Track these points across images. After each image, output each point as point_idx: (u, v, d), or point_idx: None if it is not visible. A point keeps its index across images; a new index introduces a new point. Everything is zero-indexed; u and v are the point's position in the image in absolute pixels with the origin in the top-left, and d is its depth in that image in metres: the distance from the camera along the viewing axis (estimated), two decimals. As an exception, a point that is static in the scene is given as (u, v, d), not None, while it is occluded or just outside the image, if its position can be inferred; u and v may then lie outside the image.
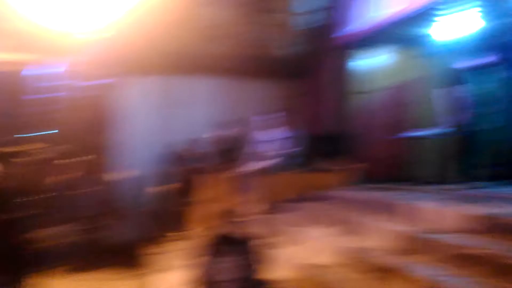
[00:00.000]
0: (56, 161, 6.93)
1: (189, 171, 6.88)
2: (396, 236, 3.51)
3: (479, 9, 5.97)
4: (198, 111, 8.49)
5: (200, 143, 7.30)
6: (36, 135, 7.22)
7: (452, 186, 5.70)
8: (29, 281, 3.78)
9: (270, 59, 9.15)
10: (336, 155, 6.60)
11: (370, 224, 3.99)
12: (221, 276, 3.42)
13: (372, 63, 7.96)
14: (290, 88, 9.36)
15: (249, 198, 5.88)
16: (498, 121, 5.69)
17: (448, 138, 5.99)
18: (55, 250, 5.82)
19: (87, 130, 7.43)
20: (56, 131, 7.35)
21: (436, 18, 6.38)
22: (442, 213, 3.54)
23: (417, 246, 3.24)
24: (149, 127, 8.16)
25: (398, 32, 7.11)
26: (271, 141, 6.27)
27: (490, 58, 5.55)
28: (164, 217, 6.78)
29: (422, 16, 6.29)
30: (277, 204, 5.91)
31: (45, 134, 7.28)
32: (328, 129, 7.82)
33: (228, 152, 6.67)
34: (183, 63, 8.37)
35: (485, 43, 6.87)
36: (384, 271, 3.13)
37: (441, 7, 6.00)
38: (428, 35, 6.92)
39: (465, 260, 2.76)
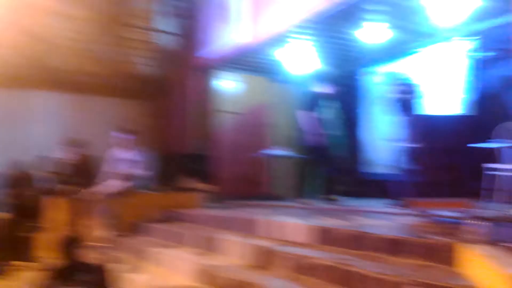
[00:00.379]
0: None
1: (36, 193, 6.25)
2: (253, 251, 3.60)
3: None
4: (45, 128, 7.85)
5: (48, 163, 6.66)
6: None
7: (307, 202, 6.15)
8: None
9: (128, 77, 8.87)
10: (198, 174, 6.61)
11: (228, 241, 4.03)
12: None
13: (234, 84, 8.23)
14: (150, 107, 9.19)
15: (101, 221, 5.53)
16: (342, 144, 6.30)
17: (302, 157, 6.49)
18: None
19: None
20: None
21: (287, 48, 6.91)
22: (296, 227, 3.74)
23: (272, 259, 3.37)
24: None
25: (255, 57, 7.50)
26: (127, 160, 6.02)
27: (331, 89, 6.19)
28: (8, 245, 6.00)
29: (275, 44, 6.75)
30: (137, 225, 5.66)
31: None
32: (190, 149, 7.80)
33: (78, 173, 6.22)
34: (28, 76, 7.68)
35: (325, 76, 7.70)
36: (241, 287, 3.18)
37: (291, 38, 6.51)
38: (282, 62, 7.46)
39: (314, 270, 2.95)
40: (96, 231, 5.54)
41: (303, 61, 7.16)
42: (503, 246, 2.13)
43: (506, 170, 4.27)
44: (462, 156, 3.64)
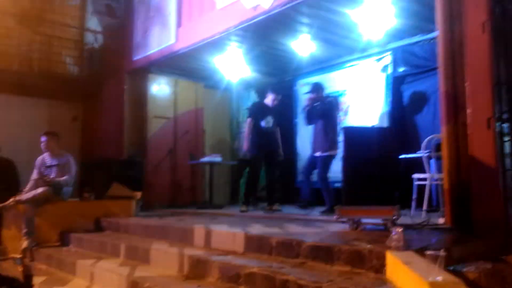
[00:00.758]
0: None
1: None
2: (188, 261, 3.58)
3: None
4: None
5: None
6: None
7: (243, 209, 6.20)
8: None
9: (55, 77, 8.45)
10: (131, 181, 6.42)
11: (164, 251, 3.97)
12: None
13: (168, 89, 8.12)
14: (79, 109, 8.83)
15: (22, 231, 5.22)
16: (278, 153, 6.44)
17: (237, 164, 6.57)
18: None
19: None
20: None
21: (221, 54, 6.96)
22: (232, 236, 3.77)
23: (209, 270, 3.37)
24: None
25: (189, 62, 7.47)
26: (53, 166, 5.72)
27: (271, 99, 6.30)
28: None
29: (210, 50, 6.77)
30: (66, 235, 5.38)
31: None
32: (122, 154, 7.58)
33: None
34: None
35: (261, 85, 7.84)
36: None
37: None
38: (217, 68, 7.48)
39: (251, 280, 3.00)
40: (17, 241, 5.22)
41: (237, 68, 7.26)
42: (428, 253, 2.29)
43: (431, 179, 4.62)
44: (388, 166, 3.86)
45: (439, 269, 2.17)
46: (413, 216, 4.11)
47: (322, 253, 3.02)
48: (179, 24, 6.77)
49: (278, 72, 7.95)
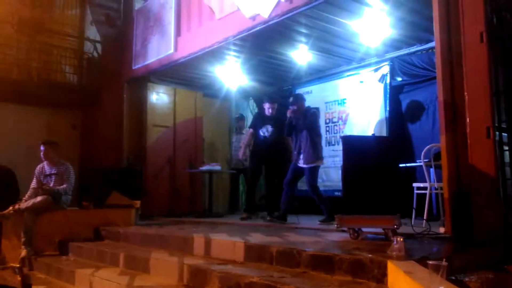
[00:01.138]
0: None
1: None
2: (188, 271, 3.57)
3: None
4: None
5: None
6: None
7: (243, 218, 6.20)
8: None
9: (54, 85, 8.46)
10: (131, 190, 6.41)
11: (163, 260, 3.96)
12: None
13: (167, 98, 8.14)
14: (78, 118, 8.83)
15: (21, 240, 5.19)
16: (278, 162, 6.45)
17: (235, 173, 6.57)
18: None
19: None
20: None
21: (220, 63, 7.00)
22: (232, 245, 3.76)
23: (208, 279, 3.36)
24: None
25: (188, 71, 7.50)
26: (52, 175, 5.71)
27: (270, 108, 6.33)
28: None
29: (208, 59, 6.81)
30: (65, 244, 5.35)
31: None
32: (122, 163, 7.57)
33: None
34: None
35: (259, 94, 7.87)
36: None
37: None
38: (215, 77, 7.53)
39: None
40: (16, 250, 5.20)
41: (236, 77, 7.31)
42: (429, 263, 2.29)
43: (431, 188, 4.63)
44: (387, 175, 3.86)
45: (441, 279, 2.17)
46: (414, 225, 4.10)
47: (323, 263, 3.01)
48: (178, 33, 6.81)
49: (277, 81, 7.99)
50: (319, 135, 5.60)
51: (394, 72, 6.44)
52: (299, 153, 5.52)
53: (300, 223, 5.42)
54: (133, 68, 7.72)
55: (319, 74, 7.47)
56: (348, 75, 7.12)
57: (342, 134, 6.85)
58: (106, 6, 8.47)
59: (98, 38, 8.93)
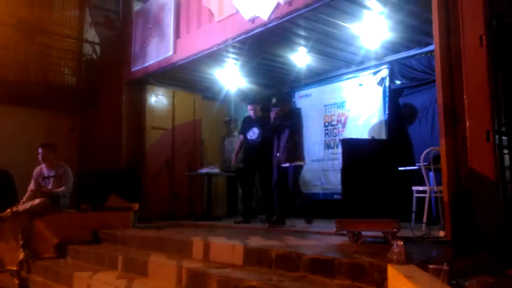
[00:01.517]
0: None
1: None
2: (187, 274, 3.55)
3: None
4: None
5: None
6: None
7: (241, 221, 6.18)
8: None
9: (53, 87, 8.45)
10: (129, 192, 6.39)
11: (162, 264, 3.94)
12: None
13: (166, 100, 8.13)
14: (77, 120, 8.81)
15: (19, 243, 5.16)
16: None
17: (233, 176, 6.55)
18: None
19: None
20: None
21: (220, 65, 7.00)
22: (231, 248, 3.74)
23: (208, 283, 3.34)
24: None
25: (187, 74, 7.49)
26: (50, 177, 5.69)
27: (257, 112, 6.38)
28: None
29: (207, 61, 6.80)
30: (63, 247, 5.33)
31: None
32: (120, 165, 7.56)
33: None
34: None
35: (256, 96, 7.87)
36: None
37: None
38: (214, 80, 7.52)
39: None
40: (14, 253, 5.17)
41: (235, 80, 7.30)
42: (430, 267, 2.28)
43: (431, 192, 4.62)
44: (387, 178, 3.86)
45: (442, 283, 2.16)
46: (413, 229, 4.09)
47: (323, 266, 3.00)
48: (177, 35, 6.81)
49: (276, 84, 7.98)
50: (301, 136, 5.62)
51: (393, 75, 6.44)
52: (280, 154, 5.52)
53: (296, 227, 5.40)
54: (132, 70, 7.70)
55: (319, 77, 7.47)
56: (347, 78, 7.12)
57: (341, 137, 6.84)
58: (105, 8, 8.47)
59: (97, 40, 8.92)
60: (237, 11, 5.61)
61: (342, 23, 5.39)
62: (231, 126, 7.91)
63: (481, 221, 3.35)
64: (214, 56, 6.55)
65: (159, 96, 8.02)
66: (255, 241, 4.06)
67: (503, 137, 3.43)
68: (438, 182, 4.29)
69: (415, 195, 4.93)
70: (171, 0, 6.92)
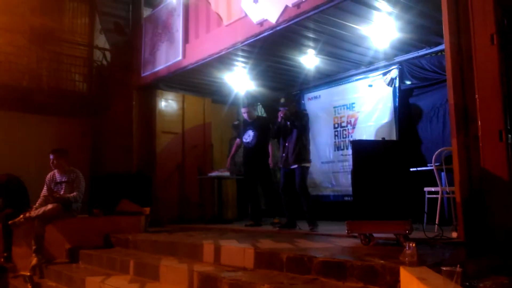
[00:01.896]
0: None
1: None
2: (198, 278, 3.55)
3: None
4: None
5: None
6: None
7: (253, 224, 6.17)
8: None
9: (64, 94, 8.54)
10: (140, 196, 6.43)
11: (173, 268, 3.94)
12: None
13: (176, 105, 8.18)
14: (88, 125, 8.89)
15: (32, 248, 5.21)
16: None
17: (242, 180, 6.56)
18: None
19: None
20: None
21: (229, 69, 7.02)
22: (242, 251, 3.74)
23: (213, 286, 3.34)
24: None
25: (197, 78, 7.52)
26: (62, 182, 5.74)
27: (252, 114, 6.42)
28: None
29: (216, 65, 6.83)
30: (75, 252, 5.37)
31: None
32: (131, 170, 7.60)
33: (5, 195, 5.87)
34: None
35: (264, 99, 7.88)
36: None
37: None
38: (224, 83, 7.54)
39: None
40: (26, 259, 5.22)
41: (244, 83, 7.32)
42: (444, 269, 2.25)
43: (443, 192, 4.58)
44: (398, 179, 3.82)
45: (455, 285, 2.13)
46: (425, 230, 4.05)
47: (334, 269, 2.98)
48: (186, 40, 6.84)
49: (285, 86, 7.97)
50: (308, 137, 5.58)
51: (403, 75, 6.40)
52: (287, 155, 5.48)
53: (301, 229, 5.37)
54: (142, 75, 7.76)
55: (328, 79, 7.45)
56: (356, 79, 7.08)
57: (351, 139, 6.81)
58: (114, 14, 8.55)
59: (107, 46, 9.01)
60: (246, 15, 5.62)
61: (351, 25, 5.37)
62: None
63: (494, 222, 3.30)
64: (223, 60, 6.57)
65: (169, 101, 8.07)
66: (266, 244, 4.04)
67: (516, 136, 3.38)
68: (450, 183, 4.25)
69: (427, 196, 4.89)
70: (180, 5, 6.97)
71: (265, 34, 5.48)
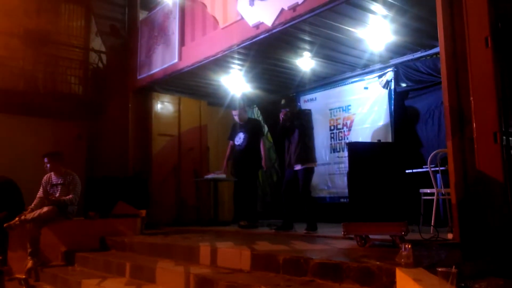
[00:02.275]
0: None
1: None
2: (194, 281, 3.55)
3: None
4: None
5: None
6: None
7: (246, 226, 6.18)
8: None
9: (60, 96, 8.51)
10: (137, 199, 6.42)
11: (170, 270, 3.94)
12: None
13: (172, 107, 8.17)
14: (84, 128, 8.86)
15: (28, 251, 5.19)
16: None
17: (239, 182, 6.55)
18: None
19: None
20: None
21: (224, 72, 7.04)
22: (238, 253, 3.74)
23: (210, 287, 3.35)
24: None
25: (193, 80, 7.53)
26: (58, 185, 5.72)
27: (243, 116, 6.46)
28: None
29: (212, 68, 6.84)
30: (71, 254, 5.35)
31: None
32: (127, 172, 7.59)
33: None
34: None
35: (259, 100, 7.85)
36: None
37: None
38: (220, 86, 7.55)
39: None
40: (22, 261, 5.19)
41: (240, 85, 7.33)
42: (439, 270, 2.26)
43: (439, 194, 4.60)
44: (394, 181, 3.84)
45: (451, 287, 2.15)
46: (421, 231, 4.07)
47: (331, 271, 2.98)
48: (182, 43, 6.85)
49: (281, 89, 7.99)
50: (311, 136, 5.52)
51: (399, 78, 6.43)
52: (290, 156, 5.48)
53: (296, 231, 5.38)
54: (138, 78, 7.76)
55: (323, 81, 7.48)
56: (352, 82, 7.12)
57: (347, 141, 6.83)
58: (110, 17, 8.54)
59: (103, 49, 8.99)
60: (242, 18, 5.64)
61: (347, 27, 5.40)
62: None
63: (490, 223, 3.32)
64: (219, 62, 6.58)
65: (165, 103, 8.06)
66: (262, 246, 4.05)
67: (511, 138, 3.41)
68: (446, 184, 4.27)
69: (423, 197, 4.91)
70: (176, 8, 6.98)
71: (261, 37, 5.50)
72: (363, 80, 6.92)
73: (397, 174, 3.90)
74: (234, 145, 6.52)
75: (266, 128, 8.51)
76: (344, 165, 6.82)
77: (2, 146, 7.38)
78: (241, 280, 3.26)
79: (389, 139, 6.34)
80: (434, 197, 4.66)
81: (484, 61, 3.47)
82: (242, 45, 5.82)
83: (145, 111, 7.92)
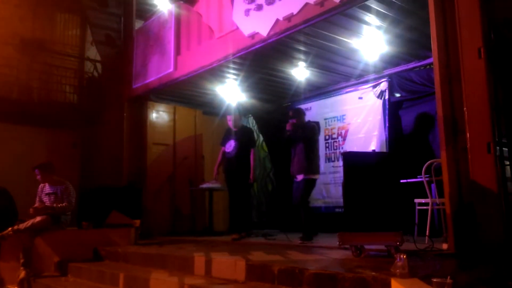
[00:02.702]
0: None
1: None
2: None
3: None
4: None
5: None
6: None
7: (237, 238, 6.14)
8: None
9: (54, 105, 8.49)
10: (131, 208, 6.37)
11: (163, 281, 3.91)
12: None
13: (167, 116, 8.17)
14: (78, 137, 8.83)
15: (20, 261, 5.13)
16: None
17: (232, 192, 6.53)
18: None
19: None
20: None
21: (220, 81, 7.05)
22: (233, 264, 3.72)
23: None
24: None
25: (188, 89, 7.54)
26: (51, 194, 5.68)
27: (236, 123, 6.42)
28: None
29: (208, 77, 6.86)
30: (64, 265, 5.30)
31: None
32: (122, 182, 7.55)
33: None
34: None
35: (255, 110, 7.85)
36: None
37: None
38: (215, 95, 7.56)
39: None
40: (14, 272, 5.14)
41: (235, 95, 7.34)
42: (434, 281, 2.26)
43: (433, 204, 4.60)
44: (389, 191, 3.84)
45: (446, 297, 2.14)
46: (416, 241, 4.06)
47: (326, 281, 2.97)
48: (177, 52, 6.86)
49: (276, 98, 8.02)
50: (314, 149, 5.55)
51: (393, 88, 6.47)
52: (293, 166, 5.49)
53: (292, 241, 5.35)
54: (133, 87, 7.76)
55: (318, 91, 7.51)
56: (347, 92, 7.15)
57: (341, 150, 6.85)
58: (106, 26, 8.55)
59: (98, 58, 8.99)
60: (237, 28, 5.67)
61: (341, 38, 5.44)
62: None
63: (484, 233, 3.32)
64: (214, 72, 6.60)
65: (160, 112, 8.06)
66: (257, 256, 4.03)
67: (504, 149, 3.43)
68: (440, 194, 4.28)
69: (418, 207, 4.92)
70: (171, 17, 7.00)
71: (256, 46, 5.52)
72: (358, 90, 6.96)
73: (392, 184, 3.91)
74: (224, 151, 6.46)
75: (261, 138, 8.52)
76: (339, 175, 6.82)
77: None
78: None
79: (384, 149, 6.36)
80: (429, 207, 4.67)
81: (477, 71, 3.50)
82: (237, 55, 5.84)
83: (140, 120, 7.90)
